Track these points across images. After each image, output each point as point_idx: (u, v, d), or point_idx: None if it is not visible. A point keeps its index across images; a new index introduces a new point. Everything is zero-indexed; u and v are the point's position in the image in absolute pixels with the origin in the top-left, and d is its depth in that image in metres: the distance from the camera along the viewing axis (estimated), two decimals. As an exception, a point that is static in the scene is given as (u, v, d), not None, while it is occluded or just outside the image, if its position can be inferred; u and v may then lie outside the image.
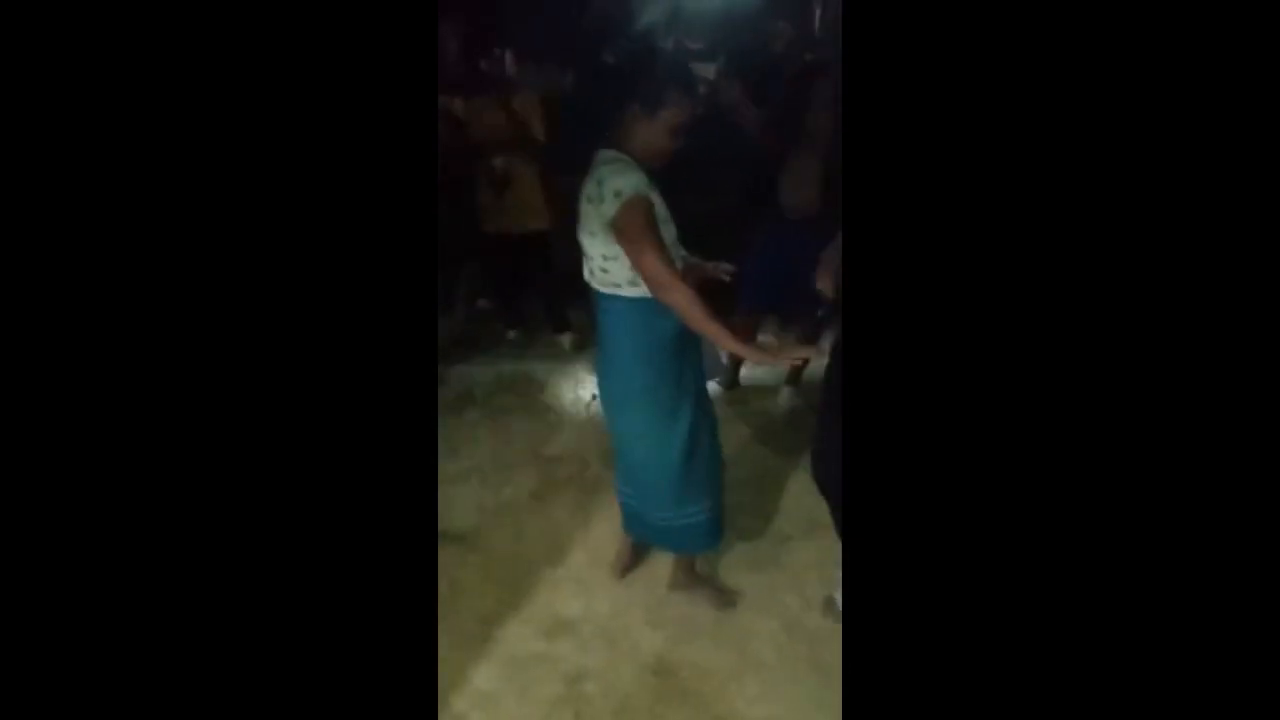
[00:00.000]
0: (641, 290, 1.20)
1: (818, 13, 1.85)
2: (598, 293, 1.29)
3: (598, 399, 2.88)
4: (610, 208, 1.13)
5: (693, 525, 1.45)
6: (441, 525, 1.82)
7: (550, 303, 2.97)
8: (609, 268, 1.22)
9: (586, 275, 1.30)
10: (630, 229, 1.12)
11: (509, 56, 2.64)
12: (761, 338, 2.66)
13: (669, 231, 1.20)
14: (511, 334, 3.05)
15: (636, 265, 1.14)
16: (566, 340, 2.96)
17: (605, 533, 1.85)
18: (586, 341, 2.95)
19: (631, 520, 1.58)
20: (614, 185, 1.13)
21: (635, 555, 1.69)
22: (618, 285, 1.23)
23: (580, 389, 2.64)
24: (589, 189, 1.18)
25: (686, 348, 1.32)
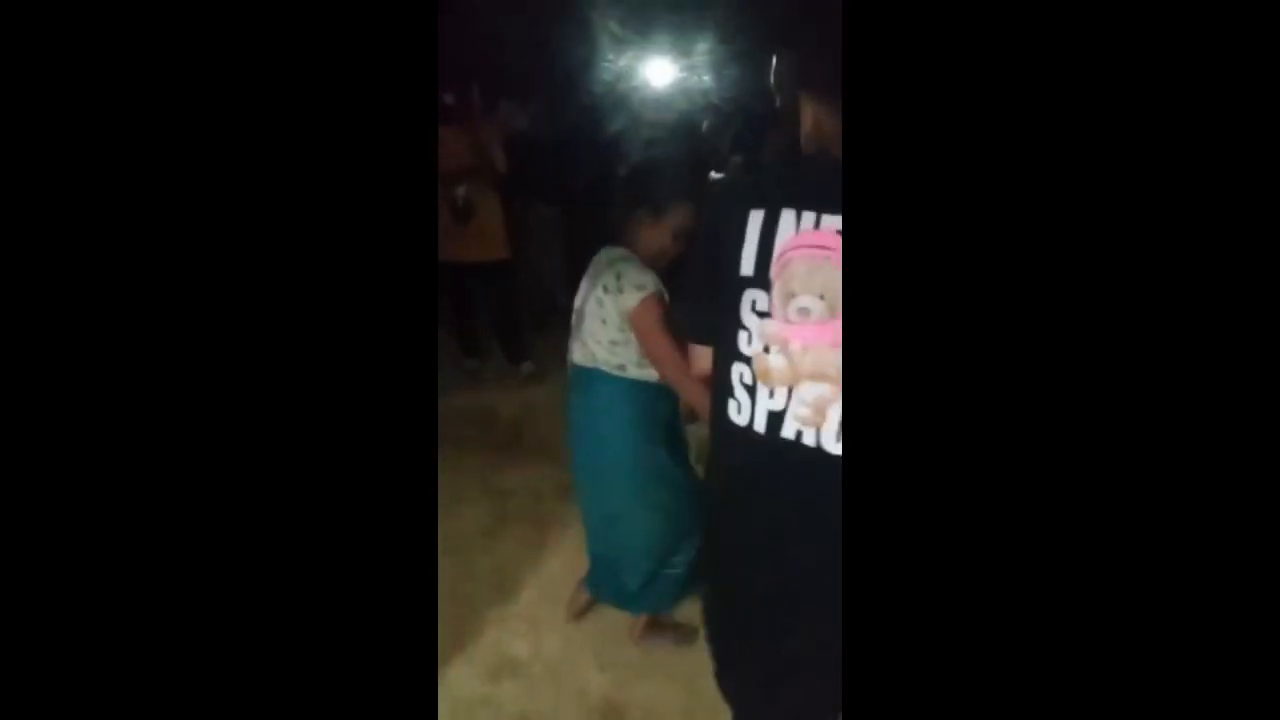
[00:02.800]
0: (648, 373, 1.31)
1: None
2: (591, 373, 1.36)
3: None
4: (630, 299, 1.24)
5: (669, 579, 1.49)
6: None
7: (508, 332, 2.96)
8: (617, 352, 1.31)
9: (582, 359, 1.37)
10: (648, 322, 1.24)
11: (475, 89, 2.67)
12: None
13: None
14: (468, 363, 3.02)
15: (653, 357, 1.25)
16: (525, 369, 2.95)
17: (558, 569, 1.82)
18: (543, 372, 2.94)
19: (600, 584, 1.58)
20: (636, 280, 1.24)
21: (591, 599, 1.67)
22: (623, 367, 1.33)
23: (538, 421, 2.61)
24: (605, 280, 1.27)
25: (678, 437, 1.45)
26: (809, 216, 0.76)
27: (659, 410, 1.37)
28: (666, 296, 1.27)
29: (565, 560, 1.85)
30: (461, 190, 2.61)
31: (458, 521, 2.01)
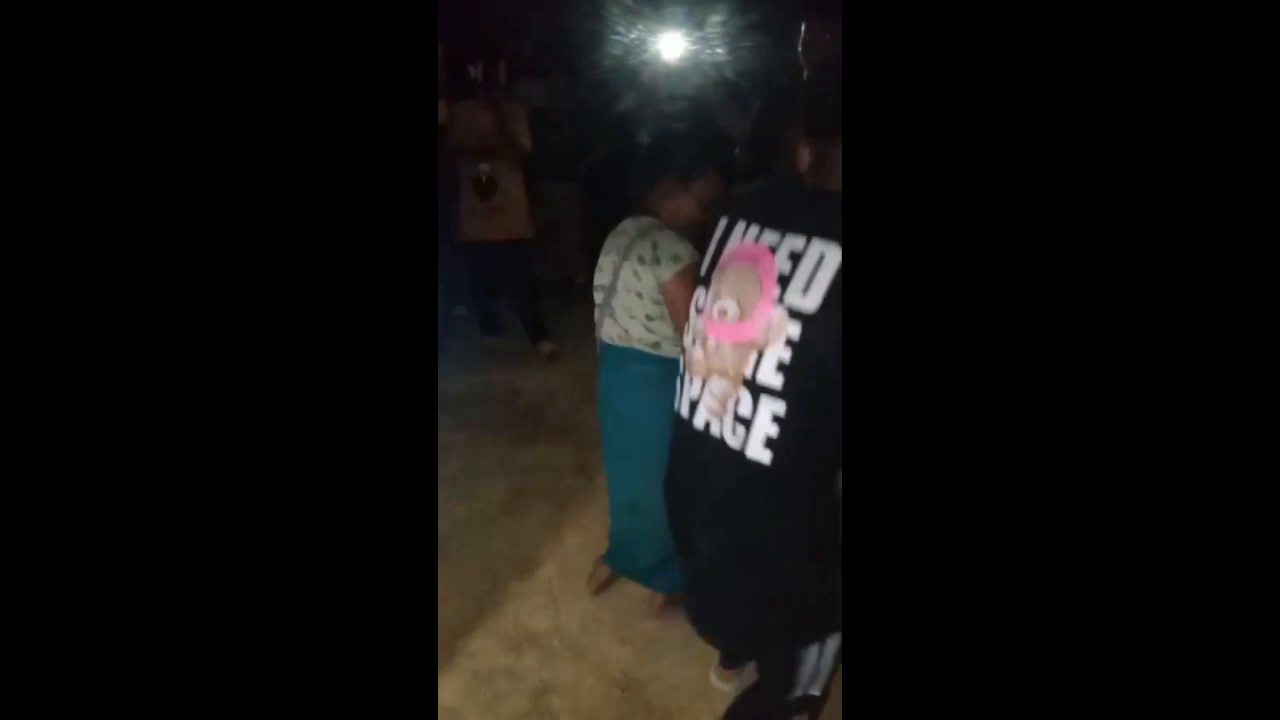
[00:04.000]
0: (678, 350, 1.28)
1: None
2: (625, 351, 1.35)
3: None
4: (666, 270, 1.22)
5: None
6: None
7: (529, 312, 2.97)
8: (653, 327, 1.30)
9: (615, 337, 1.36)
10: (682, 295, 1.20)
11: (502, 66, 2.66)
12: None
13: None
14: (489, 342, 3.03)
15: (680, 324, 1.23)
16: (545, 350, 2.95)
17: (576, 545, 1.84)
18: (563, 351, 2.94)
19: (620, 559, 1.58)
20: (672, 250, 1.23)
21: (612, 574, 1.68)
22: (658, 345, 1.31)
23: (558, 400, 2.63)
24: (640, 250, 1.25)
25: None
26: (754, 229, 0.84)
27: None
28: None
29: (584, 537, 1.86)
30: (485, 167, 2.60)
31: (478, 498, 2.03)
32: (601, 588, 1.67)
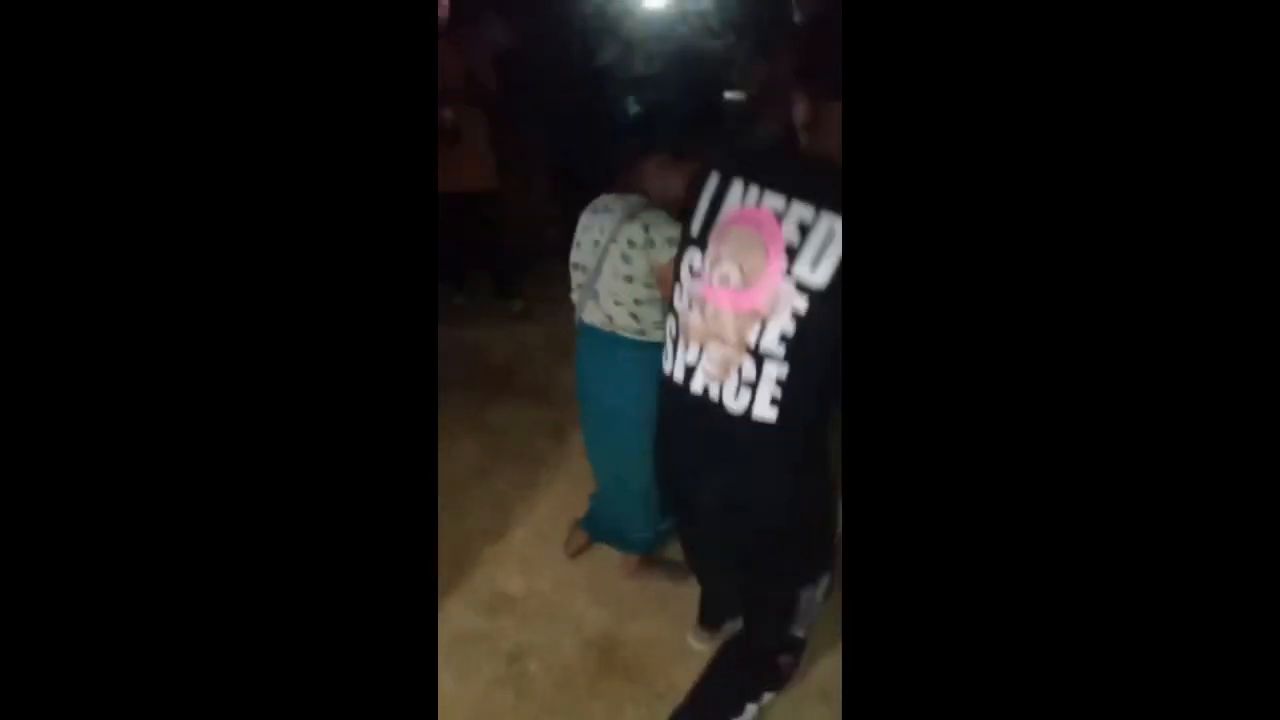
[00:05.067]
0: (663, 334, 1.22)
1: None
2: (608, 337, 1.29)
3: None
4: (663, 254, 1.17)
5: (666, 530, 1.48)
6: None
7: (498, 267, 2.87)
8: (639, 313, 1.24)
9: (598, 321, 1.30)
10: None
11: (459, 3, 2.47)
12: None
13: None
14: (458, 299, 2.93)
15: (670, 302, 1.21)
16: (515, 306, 2.87)
17: (551, 509, 1.82)
18: (534, 308, 2.87)
19: (600, 528, 1.57)
20: (667, 233, 1.17)
21: (588, 540, 1.67)
22: (643, 331, 1.26)
23: (529, 359, 2.57)
24: (630, 233, 1.19)
25: None
26: (754, 191, 0.81)
27: None
28: None
29: (558, 499, 1.84)
30: (448, 113, 2.45)
31: (449, 459, 1.99)
32: (578, 552, 1.66)
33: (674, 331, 0.93)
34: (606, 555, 1.62)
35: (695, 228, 0.88)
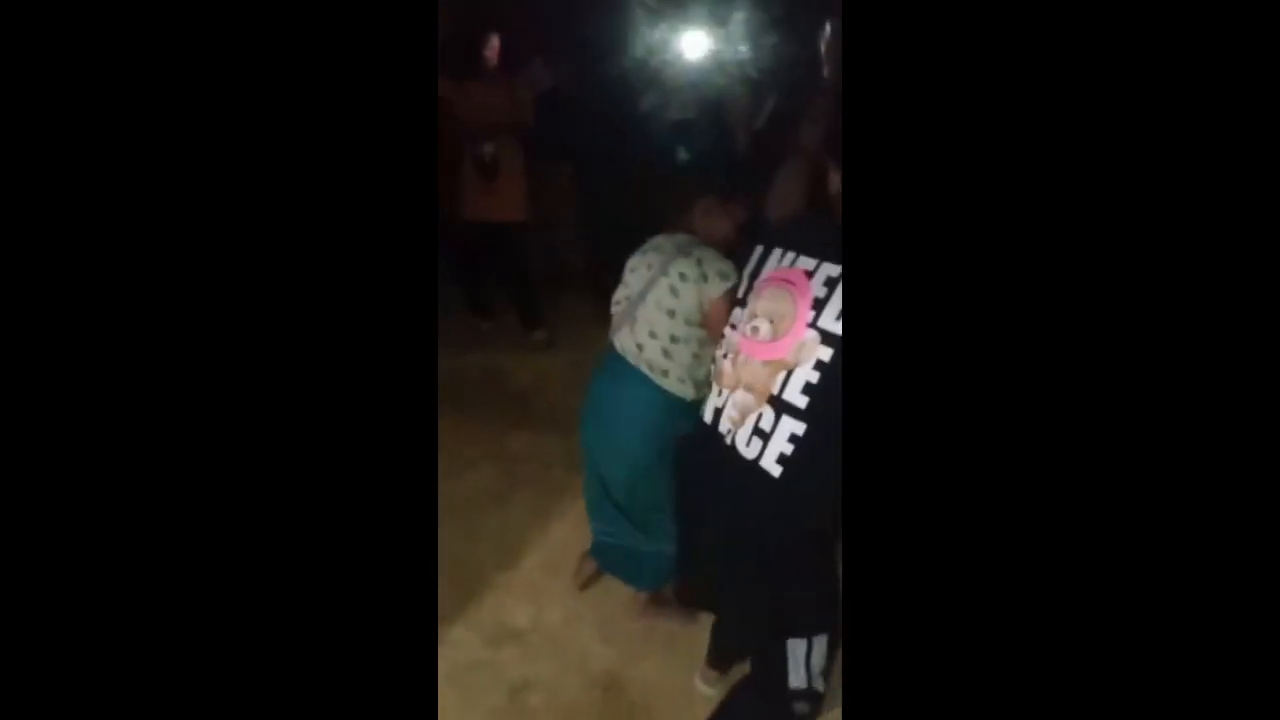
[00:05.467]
0: (685, 389, 1.25)
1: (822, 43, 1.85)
2: (631, 371, 1.29)
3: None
4: (715, 287, 1.19)
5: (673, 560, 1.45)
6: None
7: (524, 297, 2.91)
8: (671, 351, 1.24)
9: (627, 349, 1.30)
10: (726, 310, 1.15)
11: (508, 43, 2.59)
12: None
13: None
14: (482, 326, 2.98)
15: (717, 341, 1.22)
16: (538, 336, 2.90)
17: (563, 538, 1.80)
18: (556, 339, 2.90)
19: (606, 553, 1.54)
20: (719, 267, 1.20)
21: (599, 570, 1.64)
22: (665, 373, 1.25)
23: (549, 388, 2.58)
24: (682, 267, 1.21)
25: None
26: (790, 255, 0.91)
27: (681, 428, 1.27)
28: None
29: (571, 529, 1.83)
30: (489, 147, 2.54)
31: (464, 484, 1.99)
32: (587, 584, 1.64)
33: (712, 376, 1.01)
34: (616, 590, 1.60)
35: (741, 289, 0.98)
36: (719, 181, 1.30)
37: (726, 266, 1.20)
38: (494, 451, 2.16)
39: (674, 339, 1.23)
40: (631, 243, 1.36)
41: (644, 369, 1.27)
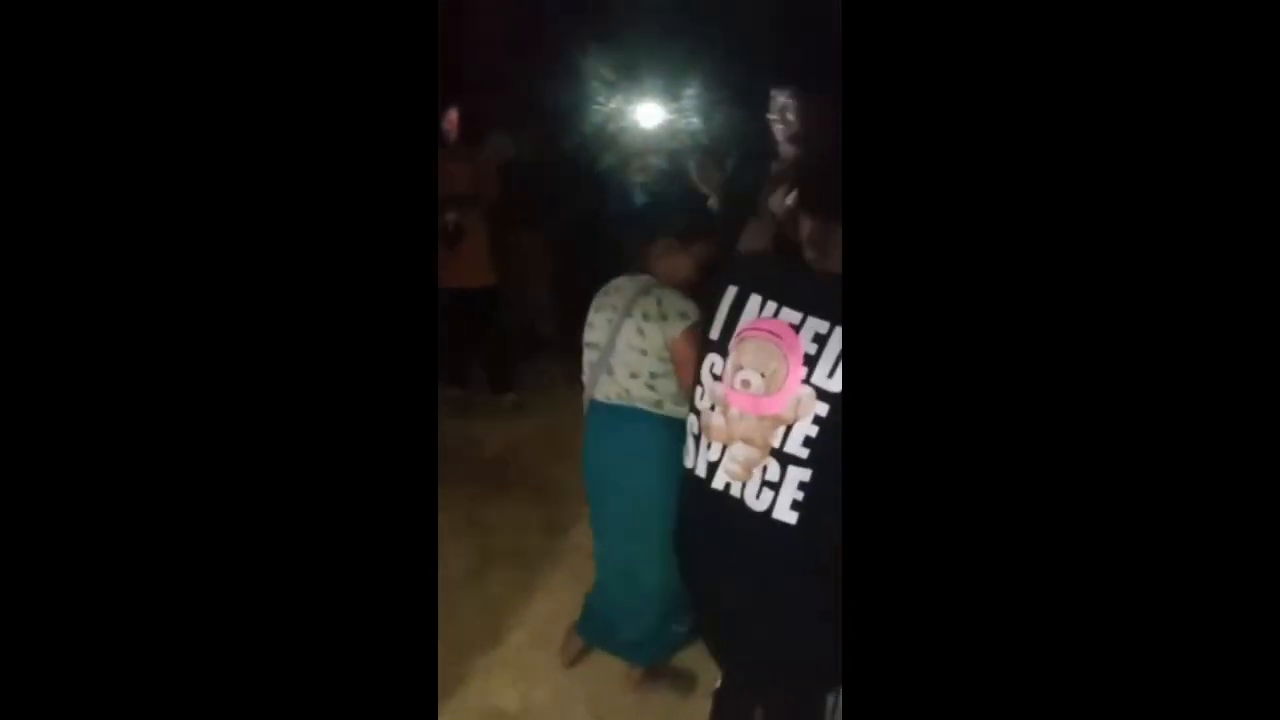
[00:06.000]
0: (680, 410, 1.24)
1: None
2: (624, 410, 1.30)
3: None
4: (675, 328, 1.21)
5: (673, 636, 1.43)
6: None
7: (493, 361, 2.89)
8: (655, 384, 1.26)
9: (612, 395, 1.31)
10: (689, 353, 1.17)
11: (469, 118, 2.67)
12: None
13: None
14: (450, 391, 2.93)
15: (690, 389, 1.21)
16: (508, 401, 2.87)
17: (547, 612, 1.74)
18: (527, 403, 2.87)
19: (598, 631, 1.50)
20: (679, 307, 1.22)
21: (584, 646, 1.58)
22: (660, 402, 1.27)
23: (522, 453, 2.54)
24: (644, 307, 1.24)
25: None
26: (771, 305, 0.89)
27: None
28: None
29: (555, 602, 1.77)
30: (452, 215, 2.59)
31: (440, 559, 1.91)
32: (575, 660, 1.57)
33: (695, 429, 0.97)
34: (607, 665, 1.54)
35: (715, 333, 0.94)
36: (680, 222, 1.31)
37: (687, 306, 1.22)
38: (470, 523, 2.10)
39: (654, 375, 1.25)
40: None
41: (639, 406, 1.28)
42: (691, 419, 0.98)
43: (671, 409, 1.27)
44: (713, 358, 0.94)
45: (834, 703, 0.96)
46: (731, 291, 0.94)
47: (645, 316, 1.23)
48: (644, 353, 1.25)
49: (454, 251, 2.63)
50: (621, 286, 1.30)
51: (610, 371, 1.29)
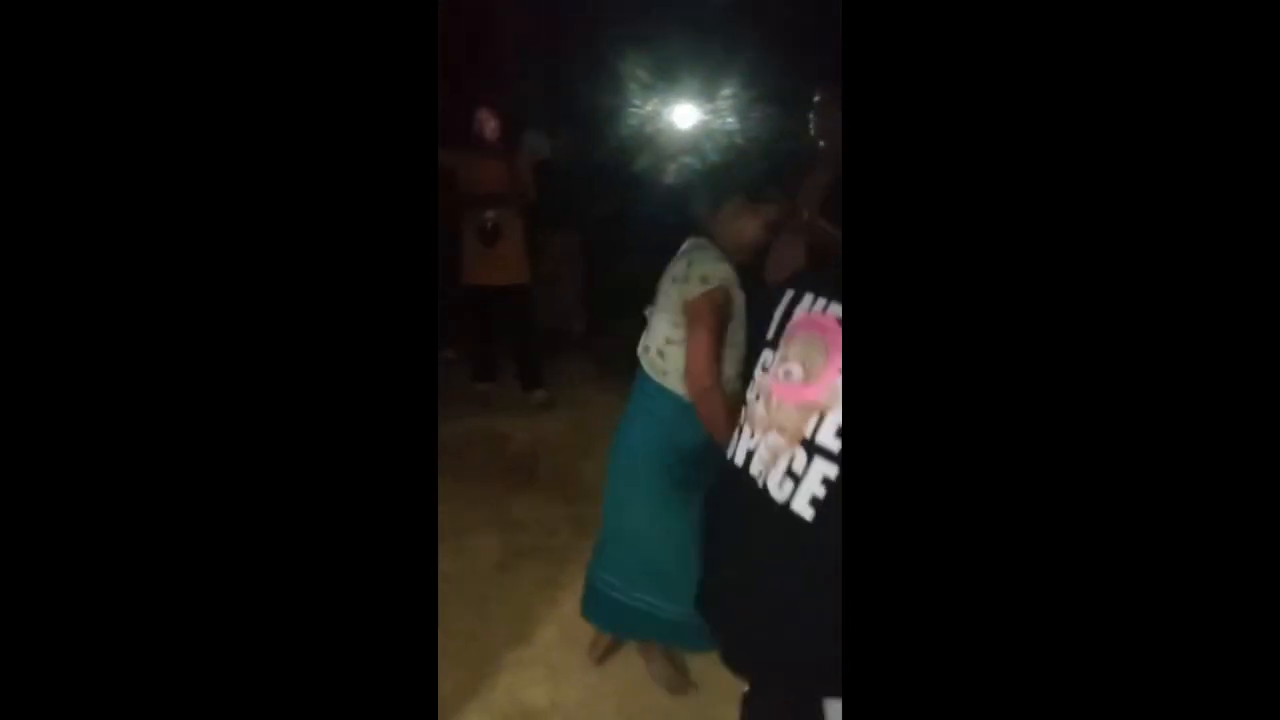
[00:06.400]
0: (682, 390, 1.22)
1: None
2: (642, 374, 1.30)
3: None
4: (693, 289, 1.15)
5: (648, 618, 1.38)
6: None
7: (524, 358, 2.91)
8: (666, 353, 1.23)
9: (640, 350, 1.31)
10: (700, 313, 1.15)
11: (509, 120, 2.70)
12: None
13: (739, 331, 1.21)
14: (480, 387, 2.95)
15: (689, 349, 1.18)
16: (538, 398, 2.88)
17: (575, 608, 1.71)
18: (556, 401, 2.87)
19: (612, 614, 1.46)
20: (703, 270, 1.16)
21: (614, 640, 1.56)
22: (665, 374, 1.25)
23: (551, 450, 2.54)
24: (675, 269, 1.22)
25: (707, 460, 1.27)
26: (821, 302, 0.92)
27: (686, 438, 1.24)
28: (735, 295, 1.18)
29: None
30: (491, 214, 2.62)
31: (469, 555, 1.91)
32: (604, 656, 1.55)
33: (742, 419, 0.98)
34: (637, 663, 1.52)
35: (770, 332, 0.97)
36: (748, 181, 1.22)
37: (715, 270, 1.16)
38: (498, 519, 2.09)
39: (669, 340, 1.22)
40: (630, 303, 1.35)
41: (646, 370, 1.27)
42: (743, 410, 0.99)
43: (674, 383, 1.23)
44: (765, 353, 0.96)
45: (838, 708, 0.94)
46: (788, 294, 0.97)
47: (673, 279, 1.21)
48: (664, 313, 1.23)
49: (492, 251, 2.66)
50: (684, 248, 1.28)
51: (649, 330, 1.28)
